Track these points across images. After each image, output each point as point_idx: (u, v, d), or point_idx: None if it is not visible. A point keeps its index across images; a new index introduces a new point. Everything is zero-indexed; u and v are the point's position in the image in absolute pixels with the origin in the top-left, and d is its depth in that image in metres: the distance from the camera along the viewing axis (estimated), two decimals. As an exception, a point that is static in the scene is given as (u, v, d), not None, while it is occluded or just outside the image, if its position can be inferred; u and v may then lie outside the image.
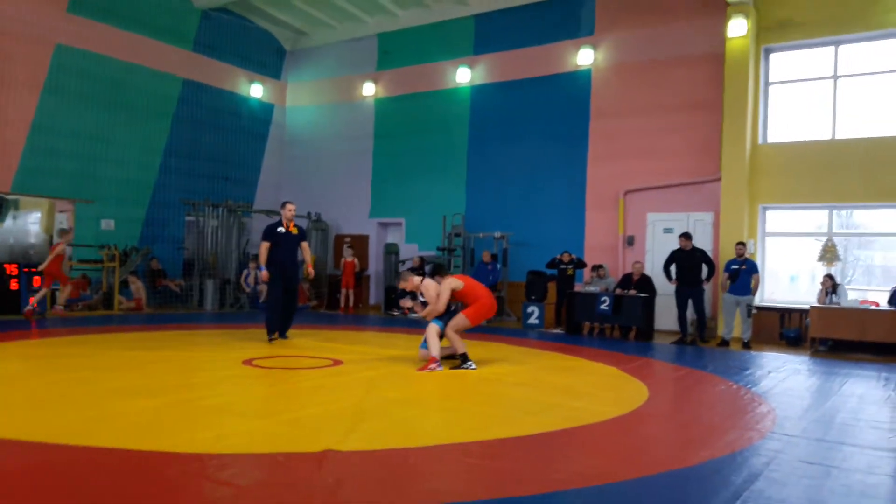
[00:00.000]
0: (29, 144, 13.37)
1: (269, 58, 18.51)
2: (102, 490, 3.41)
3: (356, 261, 16.14)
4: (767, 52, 12.83)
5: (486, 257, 14.13)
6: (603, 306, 11.63)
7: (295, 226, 9.35)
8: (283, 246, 9.16)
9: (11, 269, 11.13)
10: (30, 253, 13.09)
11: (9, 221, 13.18)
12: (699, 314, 11.45)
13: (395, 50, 17.32)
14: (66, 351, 7.95)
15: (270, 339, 9.10)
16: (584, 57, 14.44)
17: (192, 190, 16.08)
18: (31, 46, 13.36)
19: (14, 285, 11.11)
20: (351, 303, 15.75)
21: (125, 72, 15.00)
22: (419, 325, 12.59)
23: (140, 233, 15.35)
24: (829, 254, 11.64)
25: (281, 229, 9.17)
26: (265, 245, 9.10)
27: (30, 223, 13.69)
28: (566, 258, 12.81)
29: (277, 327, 9.21)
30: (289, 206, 9.35)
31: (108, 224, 14.53)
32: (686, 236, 11.51)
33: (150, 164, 15.68)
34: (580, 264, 12.99)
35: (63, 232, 12.46)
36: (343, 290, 15.90)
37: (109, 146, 14.74)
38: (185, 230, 16.10)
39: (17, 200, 13.17)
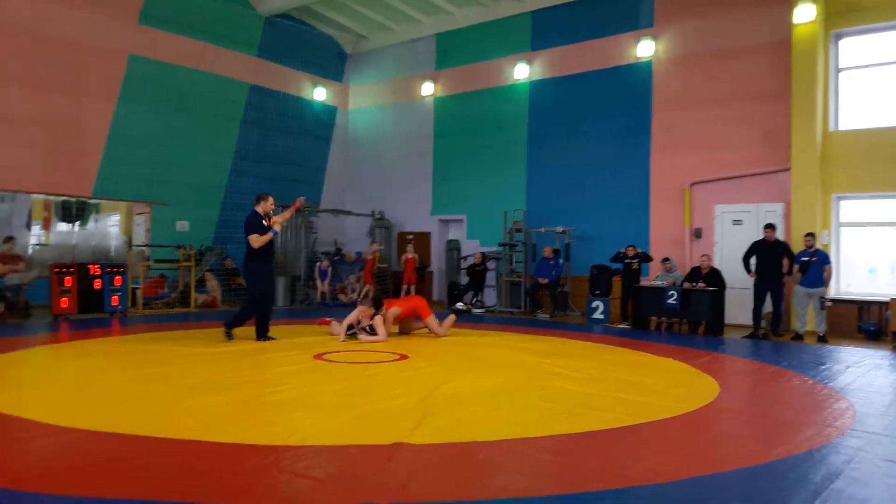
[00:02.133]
0: (107, 151, 14.03)
1: (331, 62, 18.86)
2: (181, 480, 3.59)
3: (417, 256, 16.37)
4: (837, 37, 12.32)
5: (548, 252, 14.07)
6: (670, 300, 11.42)
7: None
8: (269, 241, 8.81)
9: (95, 270, 11.68)
10: (110, 254, 13.72)
11: (91, 224, 13.84)
12: (776, 308, 11.12)
13: (453, 49, 17.41)
14: (145, 347, 8.32)
15: (231, 336, 8.73)
16: (645, 49, 14.19)
17: (261, 191, 16.43)
18: (105, 58, 14.00)
19: (97, 285, 11.65)
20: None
21: (194, 79, 15.55)
22: (482, 321, 12.67)
23: (214, 233, 15.89)
24: (910, 244, 11.12)
25: (264, 222, 8.81)
26: (256, 237, 8.62)
27: (110, 226, 14.35)
28: (631, 252, 12.63)
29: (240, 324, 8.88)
30: (270, 199, 9.00)
31: (182, 225, 15.10)
32: (771, 227, 11.16)
33: (220, 168, 16.22)
34: (646, 258, 12.79)
35: (373, 243, 16.56)
36: (405, 287, 16.13)
37: (181, 151, 15.31)
38: (257, 230, 16.56)
39: (98, 204, 13.82)
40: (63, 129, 13.36)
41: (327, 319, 10.41)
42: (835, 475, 3.85)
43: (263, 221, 8.79)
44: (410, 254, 16.30)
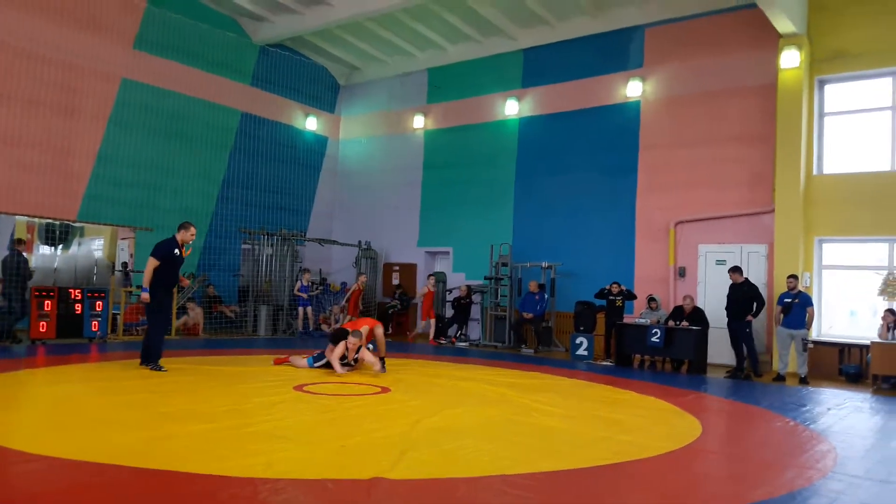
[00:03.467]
0: (94, 174, 13.97)
1: (323, 92, 19.03)
2: (160, 510, 3.51)
3: (436, 290, 15.86)
4: (822, 83, 12.61)
5: (533, 287, 14.09)
6: (654, 338, 11.45)
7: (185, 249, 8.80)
8: (175, 269, 8.60)
9: (76, 294, 11.54)
10: (93, 278, 13.58)
11: (74, 247, 13.73)
12: (748, 348, 11.22)
13: (444, 84, 17.61)
14: (123, 374, 8.19)
15: (160, 367, 8.40)
16: (634, 89, 14.43)
17: (248, 219, 16.53)
18: (98, 81, 14.03)
19: (78, 309, 11.50)
20: (432, 333, 15.34)
21: (186, 105, 15.59)
22: (466, 354, 12.61)
23: (198, 260, 15.77)
24: (890, 287, 11.24)
25: (177, 251, 8.58)
26: (155, 263, 8.35)
27: (93, 249, 14.23)
28: (615, 289, 12.67)
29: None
30: (192, 230, 8.73)
31: (167, 251, 14.97)
32: (735, 270, 11.45)
33: (208, 194, 16.20)
34: (630, 296, 12.82)
35: (360, 273, 16.19)
36: (427, 321, 15.52)
37: (170, 176, 15.28)
38: (241, 258, 16.49)
39: (82, 228, 13.72)
40: (52, 149, 13.31)
41: (283, 357, 9.84)
42: (815, 519, 3.84)
43: (176, 250, 8.55)
44: (432, 287, 15.61)
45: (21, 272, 11.23)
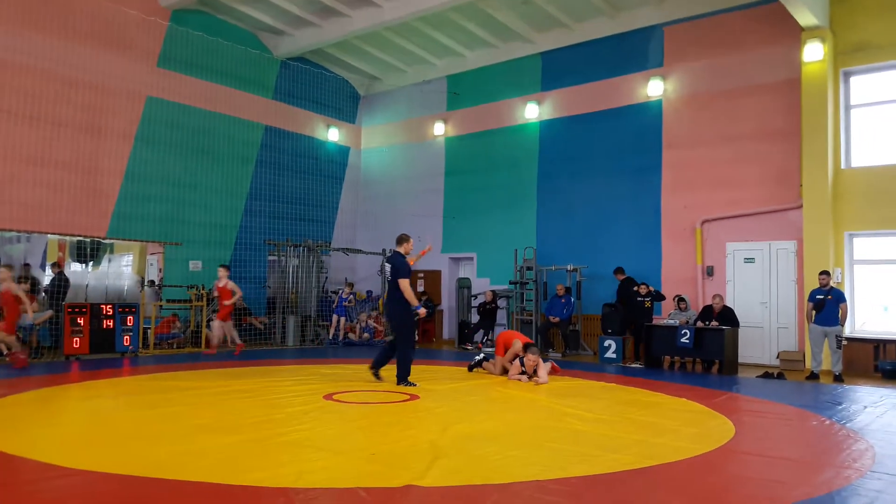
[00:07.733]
0: (123, 191, 14.21)
1: (344, 103, 19.18)
2: (196, 522, 3.55)
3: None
4: (847, 75, 12.43)
5: (560, 290, 14.02)
6: (683, 339, 11.32)
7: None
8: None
9: (107, 310, 11.72)
10: (123, 294, 13.79)
11: (104, 264, 13.95)
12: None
13: (463, 90, 17.65)
14: (156, 387, 8.31)
15: (411, 383, 8.62)
16: (655, 88, 14.33)
17: (274, 231, 16.69)
18: (125, 99, 14.29)
19: (109, 324, 11.68)
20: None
21: (210, 120, 15.81)
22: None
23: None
24: (925, 281, 11.01)
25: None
26: (408, 279, 8.69)
27: (123, 265, 14.45)
28: (643, 290, 12.57)
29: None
30: (411, 241, 9.11)
31: (195, 265, 15.18)
32: (617, 271, 13.43)
33: (234, 208, 16.38)
34: (658, 297, 12.71)
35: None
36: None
37: (197, 191, 15.49)
38: (268, 269, 16.66)
39: (112, 244, 13.94)
40: (80, 169, 13.55)
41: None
42: (855, 519, 3.77)
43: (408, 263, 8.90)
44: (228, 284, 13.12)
45: (65, 291, 12.17)
